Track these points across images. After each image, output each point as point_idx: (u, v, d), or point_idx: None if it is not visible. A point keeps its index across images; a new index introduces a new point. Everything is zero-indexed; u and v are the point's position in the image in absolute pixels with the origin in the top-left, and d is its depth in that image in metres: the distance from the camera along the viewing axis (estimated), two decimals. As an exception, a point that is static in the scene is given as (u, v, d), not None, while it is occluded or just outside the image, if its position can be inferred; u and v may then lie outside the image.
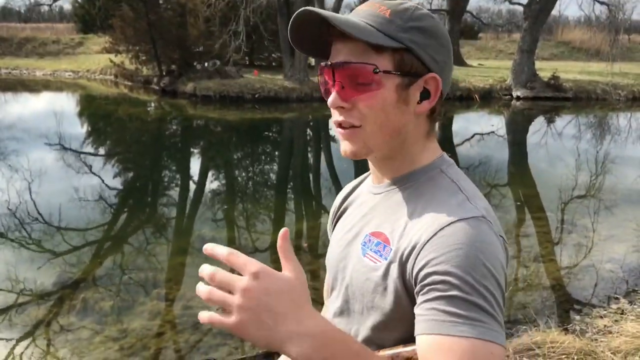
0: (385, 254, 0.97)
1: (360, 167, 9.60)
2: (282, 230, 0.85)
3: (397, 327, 0.97)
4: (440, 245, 0.87)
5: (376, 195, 1.09)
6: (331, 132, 13.49)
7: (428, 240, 0.89)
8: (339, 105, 0.97)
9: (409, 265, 0.91)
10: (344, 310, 1.07)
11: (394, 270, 0.94)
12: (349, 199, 1.21)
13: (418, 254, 0.90)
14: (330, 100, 0.98)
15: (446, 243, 0.87)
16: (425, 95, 0.99)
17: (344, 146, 1.02)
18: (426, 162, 1.04)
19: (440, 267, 0.85)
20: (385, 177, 1.08)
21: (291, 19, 0.98)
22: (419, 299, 0.88)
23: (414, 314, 0.89)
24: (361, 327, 1.02)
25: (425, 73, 0.98)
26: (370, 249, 1.01)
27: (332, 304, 1.13)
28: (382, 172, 1.08)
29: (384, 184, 1.08)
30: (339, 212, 1.23)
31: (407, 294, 0.93)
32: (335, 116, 1.01)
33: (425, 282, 0.87)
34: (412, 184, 1.03)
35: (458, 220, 0.89)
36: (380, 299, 0.97)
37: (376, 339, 0.99)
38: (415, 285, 0.90)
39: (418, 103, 0.99)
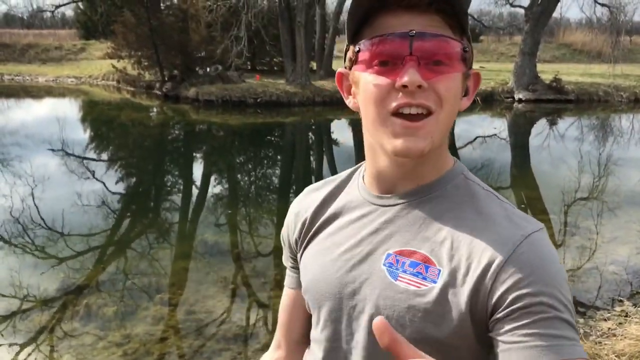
0: (432, 276, 0.83)
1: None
2: (378, 321, 0.58)
3: (454, 357, 0.84)
4: (523, 264, 0.78)
5: (388, 207, 0.92)
6: (333, 135, 13.50)
7: (507, 260, 0.79)
8: (420, 83, 0.79)
9: (483, 289, 0.80)
10: (373, 345, 0.87)
11: (455, 295, 0.81)
12: (331, 210, 1.01)
13: (496, 276, 0.79)
14: (409, 77, 0.79)
15: (529, 261, 0.79)
16: (465, 92, 0.90)
17: (408, 142, 0.82)
18: (449, 167, 0.93)
19: (532, 289, 0.77)
20: (403, 185, 0.92)
21: None
22: (507, 325, 0.78)
23: (477, 342, 0.82)
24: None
25: (471, 67, 0.89)
26: (405, 271, 0.86)
27: (338, 339, 0.95)
28: (402, 179, 0.91)
29: (401, 193, 0.92)
30: (317, 226, 1.01)
31: (472, 320, 0.81)
32: (403, 99, 0.81)
33: (516, 305, 0.77)
34: (438, 192, 0.90)
35: (530, 234, 0.82)
36: (433, 328, 0.82)
37: None
38: (495, 312, 0.79)
39: (461, 98, 0.89)
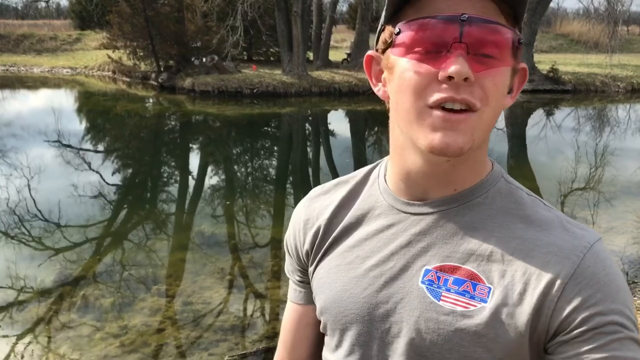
0: (481, 295, 0.74)
1: (363, 161, 9.56)
2: None
3: None
4: (590, 279, 0.71)
5: (422, 215, 0.81)
6: (330, 126, 13.48)
7: (572, 275, 0.71)
8: (468, 75, 0.70)
9: (545, 308, 0.71)
10: None
11: (511, 316, 0.73)
12: (349, 217, 0.89)
13: (561, 294, 0.71)
14: (456, 67, 0.69)
15: (596, 276, 0.71)
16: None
17: (447, 137, 0.72)
18: (489, 170, 0.83)
19: (602, 307, 0.69)
20: (438, 190, 0.81)
21: None
22: (575, 349, 0.70)
23: None
24: None
25: (519, 57, 0.77)
26: (449, 290, 0.76)
27: None
28: (437, 183, 0.80)
29: (437, 200, 0.81)
30: (334, 236, 0.89)
31: (530, 343, 0.73)
32: (446, 92, 0.71)
33: (586, 327, 0.69)
34: (481, 199, 0.80)
35: (592, 245, 0.74)
36: (484, 353, 0.73)
37: None
38: (560, 333, 0.71)
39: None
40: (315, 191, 0.97)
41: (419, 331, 0.76)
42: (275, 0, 18.18)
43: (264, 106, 15.50)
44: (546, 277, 0.72)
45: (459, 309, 0.74)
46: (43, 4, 33.49)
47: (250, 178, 8.71)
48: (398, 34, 0.74)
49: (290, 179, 8.69)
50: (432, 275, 0.77)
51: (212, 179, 8.55)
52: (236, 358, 3.42)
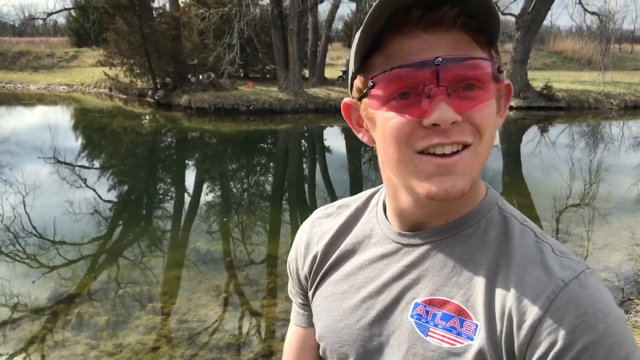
0: (468, 332, 0.72)
1: (359, 178, 9.49)
2: None
3: None
4: (560, 321, 0.66)
5: (414, 247, 0.80)
6: (326, 143, 13.52)
7: (542, 317, 0.67)
8: (455, 119, 0.67)
9: (519, 349, 0.69)
10: None
11: (495, 354, 0.70)
12: (346, 244, 0.88)
13: (532, 336, 0.67)
14: (439, 114, 0.66)
15: (566, 317, 0.66)
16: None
17: (445, 182, 0.69)
18: (482, 197, 0.80)
19: (572, 351, 0.65)
20: (430, 221, 0.79)
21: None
22: None
23: None
24: None
25: (501, 79, 0.75)
26: (436, 325, 0.74)
27: None
28: (429, 215, 0.79)
29: (428, 231, 0.79)
30: (330, 262, 0.88)
31: None
32: (434, 138, 0.68)
33: None
34: (472, 229, 0.77)
35: (569, 282, 0.68)
36: None
37: None
38: None
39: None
40: (319, 212, 0.96)
41: None
42: (272, 19, 18.33)
43: (260, 123, 15.54)
44: (518, 319, 0.68)
45: (446, 345, 0.72)
46: (40, 22, 33.64)
47: (246, 195, 8.71)
48: (372, 87, 0.71)
49: (286, 195, 8.69)
50: (421, 309, 0.76)
51: (208, 196, 8.54)
52: (232, 376, 3.39)
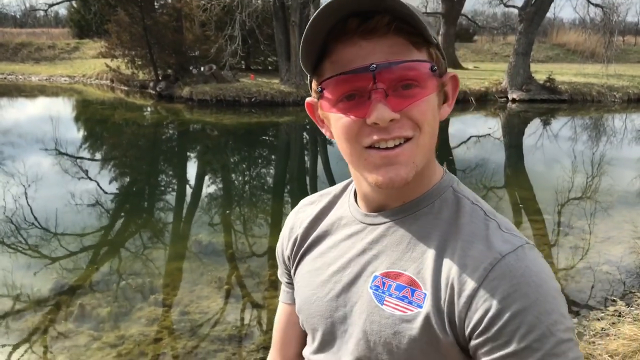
0: (418, 301, 0.80)
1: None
2: None
3: None
4: (494, 290, 0.74)
5: (376, 225, 0.89)
6: (324, 131, 13.48)
7: (479, 287, 0.74)
8: (392, 117, 0.76)
9: (458, 316, 0.76)
10: None
11: (439, 320, 0.78)
12: (322, 227, 0.98)
13: (470, 304, 0.75)
14: (377, 114, 0.75)
15: (500, 287, 0.73)
16: (443, 98, 0.86)
17: (389, 172, 0.78)
18: (437, 180, 0.89)
19: (503, 319, 0.72)
20: (390, 203, 0.88)
21: (321, 10, 0.75)
22: (484, 358, 0.75)
23: None
24: None
25: (445, 72, 0.85)
26: (391, 295, 0.82)
27: None
28: (388, 198, 0.88)
29: (388, 212, 0.88)
30: (307, 243, 0.98)
31: (458, 347, 0.78)
32: (376, 135, 0.77)
33: (486, 337, 0.74)
34: (426, 209, 0.86)
35: (506, 255, 0.76)
36: (420, 356, 0.80)
37: None
38: (471, 340, 0.76)
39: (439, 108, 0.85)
40: (303, 201, 1.07)
41: (365, 333, 0.84)
42: (273, 10, 18.25)
43: (262, 115, 15.52)
44: (459, 288, 0.76)
45: (398, 313, 0.80)
46: (41, 13, 33.51)
47: (247, 187, 8.71)
48: (322, 91, 0.81)
49: (288, 187, 8.70)
50: (378, 281, 0.84)
51: (209, 188, 8.54)
52: (233, 368, 3.41)
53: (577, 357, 0.73)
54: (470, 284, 0.75)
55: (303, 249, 0.99)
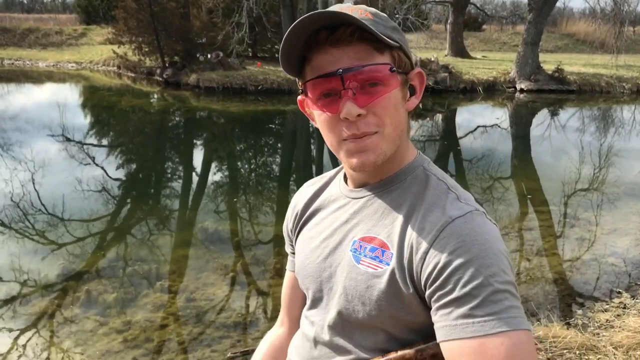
0: (386, 259, 0.95)
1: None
2: None
3: (409, 332, 0.96)
4: (443, 247, 0.87)
5: (358, 199, 1.05)
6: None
7: (431, 245, 0.89)
8: (359, 112, 0.92)
9: (415, 271, 0.90)
10: (342, 321, 1.02)
11: (401, 275, 0.92)
12: (317, 203, 1.15)
13: (424, 259, 0.89)
14: (346, 110, 0.92)
15: (448, 244, 0.87)
16: (411, 91, 1.02)
17: (361, 158, 0.95)
18: (409, 160, 1.04)
19: (449, 270, 0.85)
20: (370, 180, 1.04)
21: (294, 26, 0.91)
22: (434, 305, 0.88)
23: (427, 318, 0.91)
24: (366, 335, 0.99)
25: (410, 69, 1.01)
26: (365, 255, 0.98)
27: (319, 315, 1.08)
28: (368, 175, 1.04)
29: (367, 187, 1.04)
30: (305, 217, 1.16)
31: (418, 297, 0.92)
32: (348, 129, 0.94)
33: (435, 286, 0.87)
34: (398, 184, 1.01)
35: (455, 219, 0.90)
36: (388, 305, 0.94)
37: (385, 346, 0.97)
38: (426, 290, 0.89)
39: (407, 100, 1.01)
40: (306, 183, 1.24)
41: (345, 288, 0.99)
42: (281, -3, 18.16)
43: (269, 103, 15.50)
44: (417, 246, 0.90)
45: (371, 270, 0.96)
46: (49, -2, 33.45)
47: (254, 175, 8.72)
48: (303, 92, 1.00)
49: (294, 175, 8.70)
50: (357, 245, 0.99)
51: (215, 176, 8.56)
52: (238, 355, 3.43)
53: (512, 306, 0.83)
54: (424, 243, 0.89)
55: (302, 221, 1.16)
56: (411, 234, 0.93)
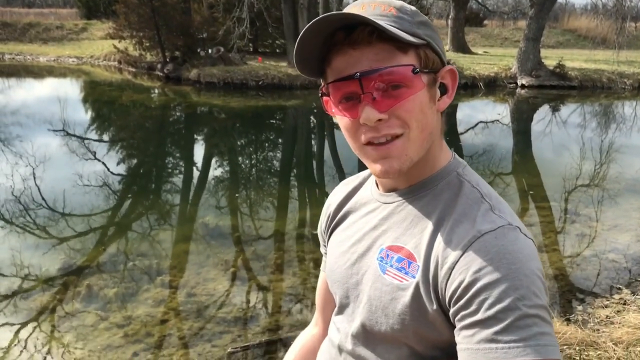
0: (412, 271, 0.89)
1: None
2: None
3: (434, 349, 0.91)
4: (470, 264, 0.81)
5: (387, 204, 1.00)
6: (335, 120, 13.44)
7: (457, 261, 0.83)
8: (378, 117, 0.86)
9: (440, 287, 0.85)
10: (365, 332, 0.98)
11: (426, 290, 0.87)
12: (349, 205, 1.10)
13: (449, 275, 0.83)
14: (365, 115, 0.86)
15: (475, 261, 0.81)
16: (442, 90, 0.94)
17: (384, 165, 0.89)
18: (442, 165, 0.98)
19: (474, 290, 0.79)
20: (399, 185, 0.99)
21: (305, 31, 0.85)
22: (457, 325, 0.82)
23: (452, 336, 0.85)
24: (389, 348, 0.94)
25: (441, 67, 0.94)
26: (391, 265, 0.92)
27: (344, 323, 1.04)
28: (396, 180, 0.98)
29: (397, 192, 0.99)
30: (337, 219, 1.12)
31: (443, 315, 0.86)
32: (368, 133, 0.88)
33: (459, 305, 0.81)
34: (429, 191, 0.95)
35: (485, 233, 0.83)
36: (412, 321, 0.89)
37: None
38: (450, 308, 0.84)
39: (438, 100, 0.94)
40: (342, 182, 1.19)
41: (370, 298, 0.95)
42: (282, -8, 18.11)
43: (269, 98, 15.48)
44: (443, 260, 0.85)
45: (396, 282, 0.91)
46: (49, -7, 33.41)
47: (254, 170, 8.72)
48: (324, 94, 0.94)
49: (295, 171, 8.70)
50: (384, 253, 0.95)
51: (216, 171, 8.56)
52: (239, 350, 3.44)
53: (542, 333, 0.77)
54: (451, 258, 0.84)
55: (333, 223, 1.12)
56: (438, 247, 0.87)
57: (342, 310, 1.05)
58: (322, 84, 0.95)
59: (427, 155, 0.95)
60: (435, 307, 0.86)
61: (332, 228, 1.13)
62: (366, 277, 0.97)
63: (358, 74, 0.85)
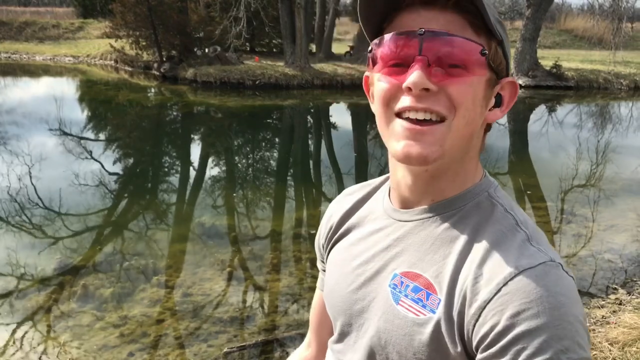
0: (432, 305, 0.77)
1: (365, 159, 9.50)
2: None
3: None
4: (504, 306, 0.69)
5: (403, 222, 0.86)
6: (332, 119, 13.46)
7: (490, 299, 0.71)
8: (426, 86, 0.72)
9: (467, 328, 0.73)
10: None
11: (449, 329, 0.75)
12: (354, 218, 0.97)
13: (479, 316, 0.71)
14: (412, 78, 0.72)
15: (512, 303, 0.69)
16: (497, 102, 0.82)
17: (411, 147, 0.75)
18: (473, 183, 0.84)
19: (510, 337, 0.68)
20: (421, 200, 0.85)
21: None
22: None
23: None
24: None
25: (504, 75, 0.81)
26: (406, 295, 0.80)
27: (346, 353, 0.92)
28: (418, 192, 0.84)
29: (417, 209, 0.85)
30: (339, 233, 0.98)
31: (468, 358, 0.75)
32: (407, 101, 0.75)
33: (490, 353, 0.70)
34: (456, 211, 0.82)
35: (524, 270, 0.71)
36: None
37: None
38: (477, 354, 0.72)
39: (490, 110, 0.81)
40: (345, 191, 1.05)
41: (379, 330, 0.82)
42: (279, -8, 18.10)
43: (266, 98, 15.47)
44: (472, 298, 0.73)
45: (411, 315, 0.78)
46: (46, -8, 33.35)
47: (251, 170, 8.71)
48: (371, 51, 0.80)
49: (291, 171, 8.69)
50: (397, 280, 0.82)
51: (213, 170, 8.55)
52: (235, 350, 3.43)
53: None
54: (481, 296, 0.72)
55: (335, 237, 0.99)
56: (465, 279, 0.75)
57: (342, 338, 0.93)
58: (370, 46, 0.81)
59: (459, 168, 0.82)
60: (459, 349, 0.74)
61: (332, 243, 0.99)
62: (374, 306, 0.85)
63: (423, 30, 0.72)
